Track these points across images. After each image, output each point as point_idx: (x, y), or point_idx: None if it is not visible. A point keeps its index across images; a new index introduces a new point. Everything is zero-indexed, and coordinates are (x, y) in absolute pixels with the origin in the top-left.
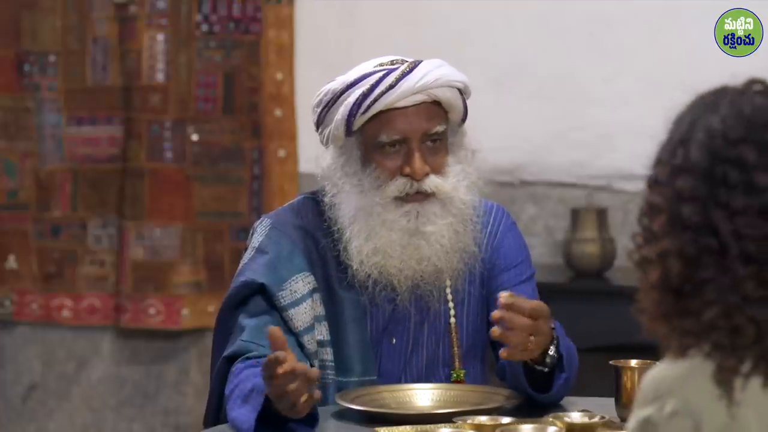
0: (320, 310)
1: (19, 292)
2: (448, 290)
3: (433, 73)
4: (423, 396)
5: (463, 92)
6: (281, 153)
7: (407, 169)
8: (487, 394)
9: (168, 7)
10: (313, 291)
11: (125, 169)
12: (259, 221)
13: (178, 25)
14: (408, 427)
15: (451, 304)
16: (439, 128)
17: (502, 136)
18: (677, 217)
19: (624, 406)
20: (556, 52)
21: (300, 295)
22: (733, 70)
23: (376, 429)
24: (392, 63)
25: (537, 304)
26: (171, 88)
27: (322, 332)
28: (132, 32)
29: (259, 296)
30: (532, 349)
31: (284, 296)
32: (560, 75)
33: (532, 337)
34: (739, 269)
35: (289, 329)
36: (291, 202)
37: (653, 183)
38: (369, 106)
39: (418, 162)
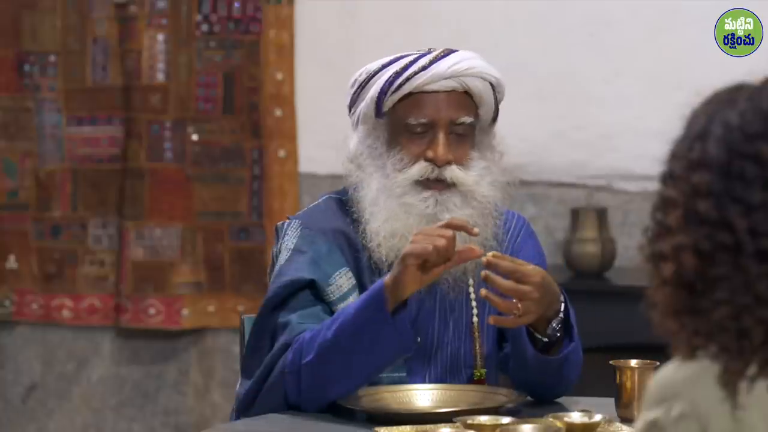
0: None
1: (19, 292)
2: (471, 289)
3: (467, 62)
4: (423, 396)
5: (495, 88)
6: (281, 153)
7: (430, 154)
8: (487, 394)
9: (168, 7)
10: (354, 287)
11: (125, 169)
12: (287, 223)
13: (178, 25)
14: (408, 427)
15: (473, 303)
16: (467, 119)
17: (501, 135)
18: (693, 212)
19: (624, 406)
20: (556, 52)
21: (346, 289)
22: (733, 70)
23: (376, 429)
24: (429, 50)
25: (525, 267)
26: (171, 88)
27: None
28: (132, 32)
29: (305, 291)
30: (523, 316)
31: (332, 291)
32: (560, 75)
33: (517, 303)
34: (753, 267)
35: None
36: (315, 203)
37: (668, 177)
38: (400, 86)
39: (441, 147)
